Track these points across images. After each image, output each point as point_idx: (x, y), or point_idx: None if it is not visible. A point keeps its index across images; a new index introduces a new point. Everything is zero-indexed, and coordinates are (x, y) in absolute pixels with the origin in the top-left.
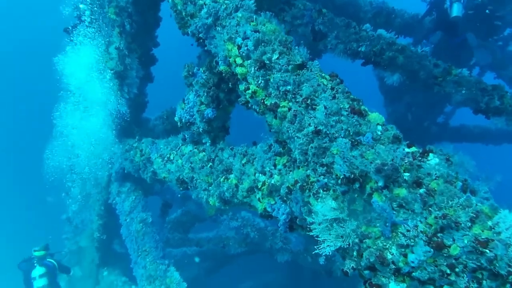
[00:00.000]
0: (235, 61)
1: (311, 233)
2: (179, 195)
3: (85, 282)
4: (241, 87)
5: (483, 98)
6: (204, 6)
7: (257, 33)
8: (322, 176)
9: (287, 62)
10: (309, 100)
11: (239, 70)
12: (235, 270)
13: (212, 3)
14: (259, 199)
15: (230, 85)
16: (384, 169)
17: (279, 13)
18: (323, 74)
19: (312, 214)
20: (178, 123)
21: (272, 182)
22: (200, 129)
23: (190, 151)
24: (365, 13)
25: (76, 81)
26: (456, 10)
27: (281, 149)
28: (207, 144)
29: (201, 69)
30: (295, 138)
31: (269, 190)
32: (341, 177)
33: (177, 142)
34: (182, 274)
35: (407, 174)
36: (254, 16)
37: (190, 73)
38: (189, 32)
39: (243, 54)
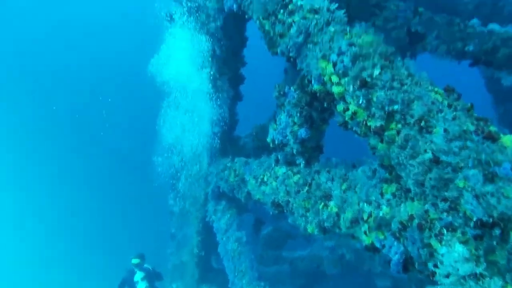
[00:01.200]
0: (330, 80)
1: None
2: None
3: None
4: (339, 107)
5: None
6: (293, 24)
7: (354, 47)
8: (445, 213)
9: (391, 77)
10: (423, 122)
11: (335, 89)
12: None
13: (302, 20)
14: (365, 232)
15: (324, 104)
16: None
17: (369, 18)
18: (436, 89)
19: (435, 259)
20: (271, 144)
21: (381, 214)
22: (294, 150)
23: (284, 173)
24: (465, 5)
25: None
26: None
27: (387, 174)
28: (301, 165)
29: (292, 88)
30: (408, 165)
31: (377, 224)
32: (474, 219)
33: (270, 162)
34: None
35: None
36: (348, 28)
37: (281, 93)
38: (278, 51)
39: (339, 71)
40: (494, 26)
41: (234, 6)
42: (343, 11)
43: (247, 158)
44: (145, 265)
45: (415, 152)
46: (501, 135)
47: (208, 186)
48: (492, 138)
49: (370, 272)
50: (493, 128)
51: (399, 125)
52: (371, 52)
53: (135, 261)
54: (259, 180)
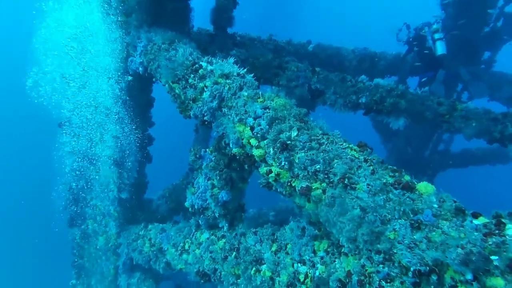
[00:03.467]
0: (249, 143)
1: None
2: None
3: None
4: (262, 170)
5: (496, 128)
6: (205, 89)
7: (269, 110)
8: (381, 265)
9: (308, 138)
10: (346, 180)
11: (256, 152)
12: None
13: (214, 86)
14: None
15: (245, 166)
16: (472, 260)
17: (273, 78)
18: (351, 145)
19: None
20: (190, 209)
21: (317, 274)
22: (216, 214)
23: (208, 238)
24: (350, 61)
25: None
26: (440, 48)
27: (316, 231)
28: (225, 228)
29: (208, 150)
30: (338, 223)
31: (315, 284)
32: (411, 269)
33: (190, 228)
34: None
35: (495, 257)
36: (260, 92)
37: (197, 156)
38: (191, 114)
39: (258, 134)
40: (379, 80)
41: (140, 69)
42: (251, 75)
43: (162, 222)
44: None
45: (343, 210)
46: (416, 184)
47: (119, 259)
48: (409, 188)
49: None
50: (407, 178)
51: (324, 184)
52: (285, 114)
53: None
54: (179, 248)
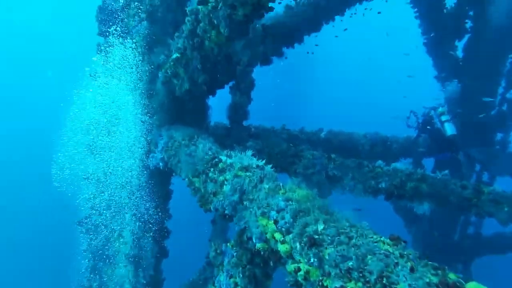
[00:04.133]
0: (273, 237)
1: None
2: None
3: None
4: (289, 267)
5: None
6: (225, 182)
7: (291, 202)
8: None
9: (336, 232)
10: (384, 279)
11: (282, 248)
12: None
13: (235, 179)
14: None
15: (271, 263)
16: None
17: (289, 166)
18: (382, 238)
19: None
20: None
21: None
22: None
23: None
24: (363, 146)
25: None
26: (450, 129)
27: None
28: None
29: (228, 245)
30: None
31: None
32: None
33: None
34: None
35: None
36: (281, 184)
37: (218, 251)
38: (211, 208)
39: (282, 228)
40: (396, 165)
41: (161, 164)
42: (270, 166)
43: None
44: None
45: None
46: (464, 284)
47: None
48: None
49: None
50: (452, 276)
51: (359, 284)
52: (309, 206)
53: None
54: None
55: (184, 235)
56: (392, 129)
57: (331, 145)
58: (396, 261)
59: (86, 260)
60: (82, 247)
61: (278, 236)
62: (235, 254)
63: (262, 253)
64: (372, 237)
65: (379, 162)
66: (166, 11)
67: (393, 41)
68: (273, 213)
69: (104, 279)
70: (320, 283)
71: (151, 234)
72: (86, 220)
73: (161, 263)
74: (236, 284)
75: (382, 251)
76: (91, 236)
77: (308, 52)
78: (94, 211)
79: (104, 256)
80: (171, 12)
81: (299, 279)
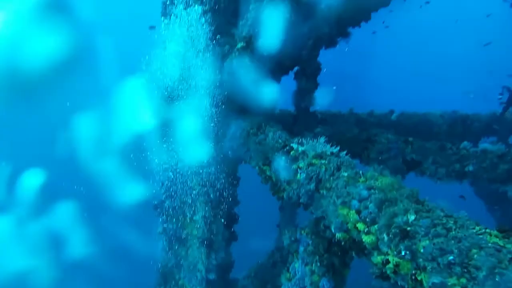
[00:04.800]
0: (356, 227)
1: None
2: None
3: None
4: (376, 259)
5: None
6: (300, 171)
7: (375, 191)
8: None
9: (431, 223)
10: (497, 277)
11: (366, 238)
12: None
13: (310, 167)
14: None
15: (353, 254)
16: None
17: (362, 151)
18: (488, 230)
19: None
20: None
21: None
22: None
23: None
24: (440, 127)
25: None
26: None
27: None
28: None
29: (303, 233)
30: None
31: None
32: None
33: None
34: None
35: None
36: (361, 172)
37: (293, 239)
38: (284, 196)
39: (366, 219)
40: (486, 146)
41: (229, 153)
42: (344, 152)
43: None
44: None
45: None
46: None
47: None
48: None
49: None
50: None
51: (463, 280)
52: (396, 195)
53: None
54: None
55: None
56: (463, 106)
57: (403, 128)
58: (510, 256)
59: (162, 242)
60: (158, 230)
61: (361, 226)
62: (310, 242)
63: (342, 243)
64: (474, 229)
65: (465, 143)
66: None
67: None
68: (354, 202)
69: (179, 259)
70: (413, 277)
71: (221, 219)
72: (161, 204)
73: (230, 246)
74: (312, 272)
75: (490, 245)
76: (166, 219)
77: (373, 32)
78: (169, 197)
79: (178, 239)
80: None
81: (388, 272)
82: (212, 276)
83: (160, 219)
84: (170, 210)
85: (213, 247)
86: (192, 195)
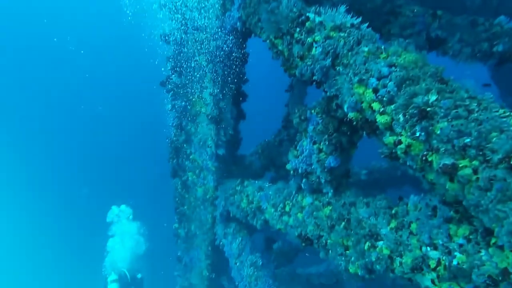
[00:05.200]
0: (370, 107)
1: None
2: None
3: None
4: (387, 139)
5: None
6: (315, 45)
7: (396, 68)
8: None
9: (453, 104)
10: None
11: (380, 119)
12: None
13: (327, 40)
14: (432, 281)
15: (364, 133)
16: None
17: (383, 26)
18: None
19: None
20: (292, 172)
21: (455, 263)
22: (322, 180)
23: (311, 204)
24: (472, 1)
25: None
26: None
27: (452, 213)
28: (329, 194)
29: (313, 112)
30: (495, 211)
31: (452, 274)
32: None
33: (290, 190)
34: None
35: None
36: (383, 47)
37: (302, 118)
38: (297, 73)
39: (383, 98)
40: None
41: (238, 24)
42: (366, 24)
43: (254, 177)
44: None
45: (506, 196)
46: None
47: (216, 209)
48: None
49: (394, 284)
50: None
51: (476, 162)
52: (419, 74)
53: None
54: (279, 209)
55: None
56: None
57: (431, 1)
58: None
59: (172, 119)
60: (167, 107)
61: (376, 106)
62: (320, 121)
63: (354, 123)
64: (497, 111)
65: (501, 18)
66: None
67: None
68: (372, 80)
69: (189, 135)
70: (424, 158)
71: (229, 97)
72: (168, 81)
73: (238, 124)
74: (320, 150)
75: None
76: (173, 96)
77: None
78: (175, 72)
79: (188, 115)
80: None
81: (398, 152)
82: (221, 151)
83: (169, 95)
84: (177, 86)
85: (221, 124)
86: (199, 71)
